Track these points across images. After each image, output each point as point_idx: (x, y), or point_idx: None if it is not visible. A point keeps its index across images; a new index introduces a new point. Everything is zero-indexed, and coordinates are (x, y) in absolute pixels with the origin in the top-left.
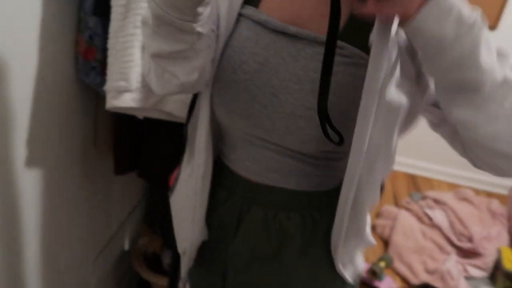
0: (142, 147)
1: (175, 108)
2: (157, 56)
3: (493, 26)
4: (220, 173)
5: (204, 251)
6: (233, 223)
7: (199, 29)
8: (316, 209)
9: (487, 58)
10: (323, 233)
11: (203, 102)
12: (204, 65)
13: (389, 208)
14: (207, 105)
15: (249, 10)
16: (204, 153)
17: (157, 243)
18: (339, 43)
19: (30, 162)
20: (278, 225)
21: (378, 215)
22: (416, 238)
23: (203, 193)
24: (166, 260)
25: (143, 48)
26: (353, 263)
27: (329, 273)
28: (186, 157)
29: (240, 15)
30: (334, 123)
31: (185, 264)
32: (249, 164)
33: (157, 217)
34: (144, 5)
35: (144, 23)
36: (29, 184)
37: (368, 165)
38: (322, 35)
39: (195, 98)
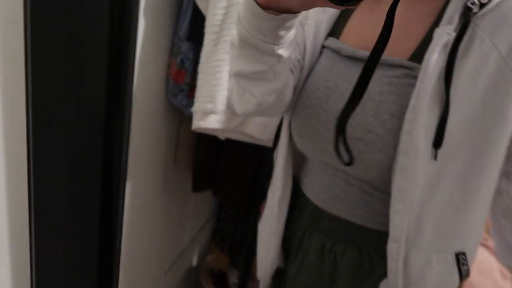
0: (219, 167)
1: (255, 131)
2: (239, 75)
3: None
4: (297, 196)
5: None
6: (295, 246)
7: (279, 51)
8: (376, 250)
9: None
10: (380, 277)
11: (284, 128)
12: (282, 89)
13: None
14: (286, 131)
15: (330, 41)
16: (282, 177)
17: (224, 261)
18: (408, 63)
19: None
20: (333, 258)
21: None
22: (494, 278)
23: (279, 218)
24: (233, 279)
25: (230, 70)
26: None
27: None
28: (271, 183)
29: (323, 46)
30: (383, 144)
31: None
32: (318, 191)
33: (225, 235)
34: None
35: (231, 44)
36: None
37: (417, 218)
38: (390, 57)
39: (280, 125)
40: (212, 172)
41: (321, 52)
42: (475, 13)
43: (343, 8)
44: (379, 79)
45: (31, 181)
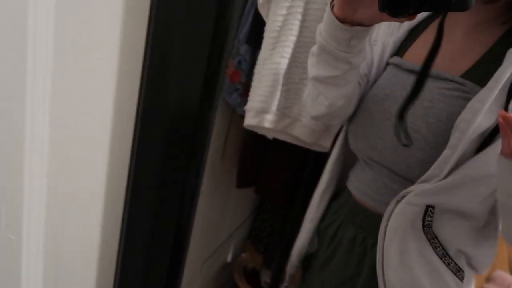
0: (264, 166)
1: (302, 133)
2: (315, 79)
3: None
4: (341, 191)
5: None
6: (330, 234)
7: (351, 59)
8: None
9: None
10: None
11: (342, 131)
12: (350, 96)
13: (503, 274)
14: (343, 133)
15: (394, 59)
16: (329, 173)
17: (258, 260)
18: (459, 79)
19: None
20: (362, 250)
21: (489, 280)
22: None
23: (319, 208)
24: (265, 278)
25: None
26: None
27: None
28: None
29: (387, 64)
30: (425, 143)
31: (288, 270)
32: (361, 185)
33: (261, 235)
34: (292, 38)
35: (311, 54)
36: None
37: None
38: (444, 72)
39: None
40: (257, 170)
41: (385, 69)
42: None
43: (401, 20)
44: (431, 89)
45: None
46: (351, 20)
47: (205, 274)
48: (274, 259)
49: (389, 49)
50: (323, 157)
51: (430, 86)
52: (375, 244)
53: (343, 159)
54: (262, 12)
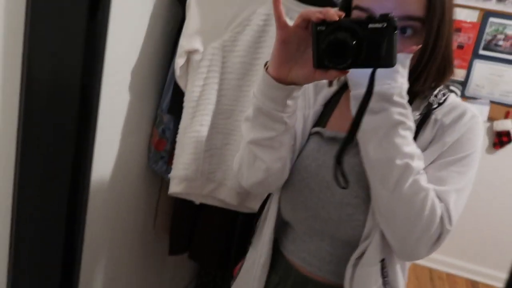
0: (196, 230)
1: (228, 196)
2: (252, 143)
3: None
4: (277, 261)
5: None
6: None
7: (287, 119)
8: None
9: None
10: None
11: (273, 201)
12: (285, 159)
13: None
14: (275, 203)
15: (316, 129)
16: (268, 244)
17: None
18: None
19: (97, 237)
20: None
21: None
22: None
23: (260, 280)
24: None
25: (238, 159)
26: None
27: None
28: (251, 248)
29: (310, 134)
30: (366, 206)
31: None
32: (305, 255)
33: None
34: (210, 107)
35: (245, 119)
36: (91, 257)
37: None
38: None
39: (266, 198)
40: (189, 235)
41: (308, 139)
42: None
43: (332, 75)
44: (355, 155)
45: None
46: (286, 79)
47: None
48: None
49: (310, 121)
50: (253, 218)
51: (354, 151)
52: None
53: (278, 228)
54: (181, 83)
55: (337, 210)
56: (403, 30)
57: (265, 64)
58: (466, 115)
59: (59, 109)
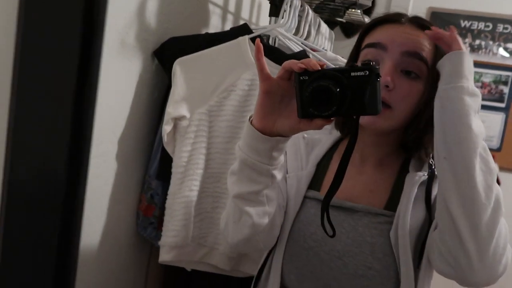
0: None
1: (220, 261)
2: (237, 197)
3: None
4: None
5: None
6: None
7: (273, 172)
8: None
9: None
10: None
11: (274, 270)
12: (272, 216)
13: None
14: (277, 272)
15: (313, 193)
16: None
17: None
18: (386, 212)
19: None
20: None
21: None
22: None
23: None
24: None
25: (224, 216)
26: None
27: None
28: None
29: (305, 197)
30: (381, 278)
31: None
32: None
33: None
34: (199, 171)
35: (231, 173)
36: None
37: None
38: (373, 207)
39: (264, 263)
40: None
41: (303, 202)
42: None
43: (318, 125)
44: (367, 225)
45: None
46: (270, 131)
47: None
48: None
49: (303, 183)
50: (247, 282)
51: (364, 221)
52: None
53: None
54: (168, 149)
55: (350, 281)
56: (408, 73)
57: (250, 117)
58: None
59: (46, 183)
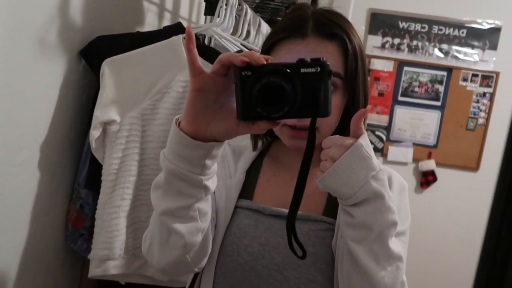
0: None
1: (156, 273)
2: (165, 214)
3: (475, 168)
4: None
5: None
6: None
7: (206, 182)
8: None
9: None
10: None
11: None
12: (206, 233)
13: None
14: None
15: (245, 202)
16: None
17: None
18: (327, 219)
19: None
20: None
21: None
22: None
23: None
24: None
25: (147, 236)
26: None
27: None
28: None
29: (236, 207)
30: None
31: None
32: None
33: None
34: (132, 179)
35: (155, 187)
36: None
37: None
38: (312, 213)
39: (193, 281)
40: None
41: (234, 212)
42: None
43: (261, 127)
44: (308, 233)
45: None
46: (203, 136)
47: None
48: None
49: (233, 192)
50: None
51: (304, 229)
52: None
53: None
54: (97, 156)
55: None
56: None
57: (177, 120)
58: (393, 183)
59: None
